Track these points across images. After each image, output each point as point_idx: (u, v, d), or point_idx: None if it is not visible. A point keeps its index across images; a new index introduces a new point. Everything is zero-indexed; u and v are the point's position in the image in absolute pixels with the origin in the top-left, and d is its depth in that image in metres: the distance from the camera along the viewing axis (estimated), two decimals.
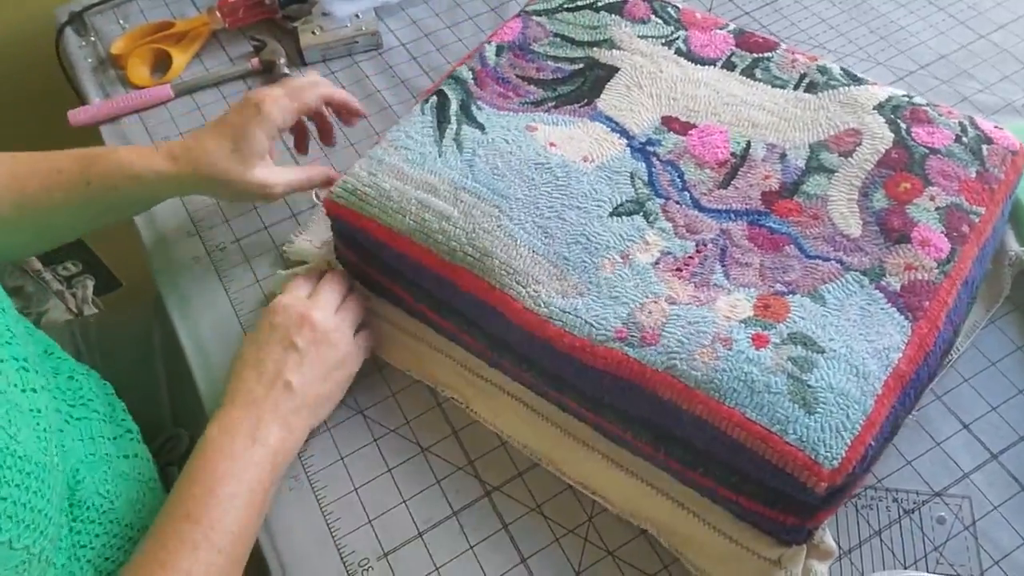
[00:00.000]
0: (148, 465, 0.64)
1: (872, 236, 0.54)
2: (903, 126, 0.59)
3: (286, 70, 0.81)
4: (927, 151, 0.57)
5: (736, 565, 0.51)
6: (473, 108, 0.63)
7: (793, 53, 0.65)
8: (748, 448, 0.47)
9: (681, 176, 0.59)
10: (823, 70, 0.64)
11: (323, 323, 0.58)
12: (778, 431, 0.46)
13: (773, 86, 0.64)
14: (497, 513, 0.55)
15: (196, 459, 0.52)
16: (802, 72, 0.64)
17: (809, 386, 0.47)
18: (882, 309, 0.51)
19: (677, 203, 0.58)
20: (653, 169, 0.60)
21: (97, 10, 0.88)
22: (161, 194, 0.64)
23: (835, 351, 0.49)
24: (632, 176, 0.59)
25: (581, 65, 0.66)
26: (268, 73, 0.81)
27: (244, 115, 0.62)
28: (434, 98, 0.64)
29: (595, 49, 0.67)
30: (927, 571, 0.51)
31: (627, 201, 0.58)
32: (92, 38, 0.86)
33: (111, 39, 0.84)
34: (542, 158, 0.59)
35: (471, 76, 0.65)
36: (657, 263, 0.54)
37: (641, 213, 0.57)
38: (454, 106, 0.63)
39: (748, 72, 0.65)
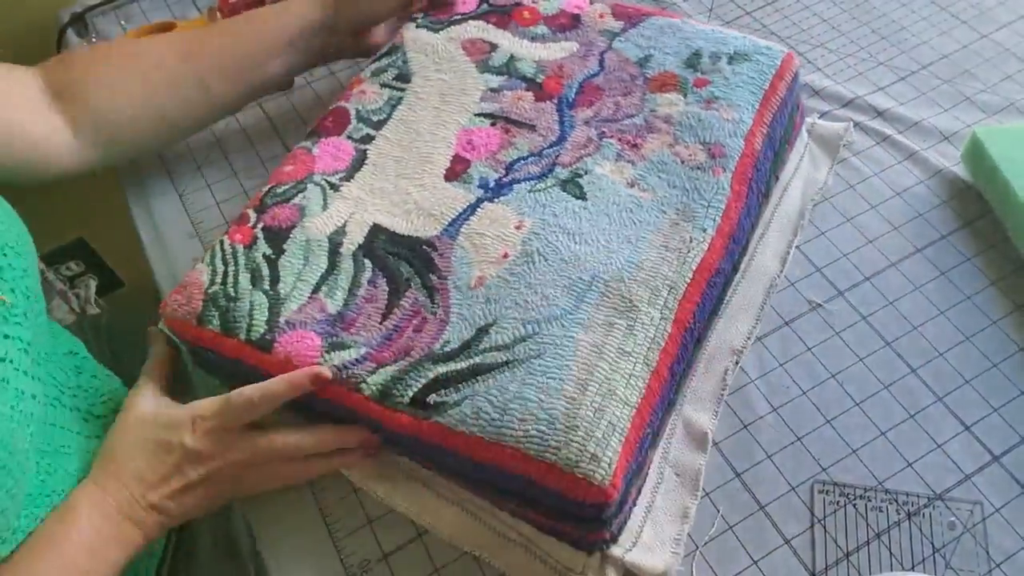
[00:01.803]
0: None
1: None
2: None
3: None
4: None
5: None
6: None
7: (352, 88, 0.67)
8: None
9: (526, 157, 0.60)
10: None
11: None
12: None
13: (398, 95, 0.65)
14: None
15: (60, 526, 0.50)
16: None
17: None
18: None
19: (556, 153, 0.60)
20: (518, 174, 0.60)
21: (99, 11, 0.88)
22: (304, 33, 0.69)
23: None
24: (539, 193, 0.58)
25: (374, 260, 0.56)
26: None
27: None
28: None
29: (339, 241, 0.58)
30: (929, 574, 0.51)
31: (567, 183, 0.59)
32: (94, 39, 0.86)
33: (113, 40, 0.84)
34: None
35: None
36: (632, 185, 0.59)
37: (577, 178, 0.59)
38: None
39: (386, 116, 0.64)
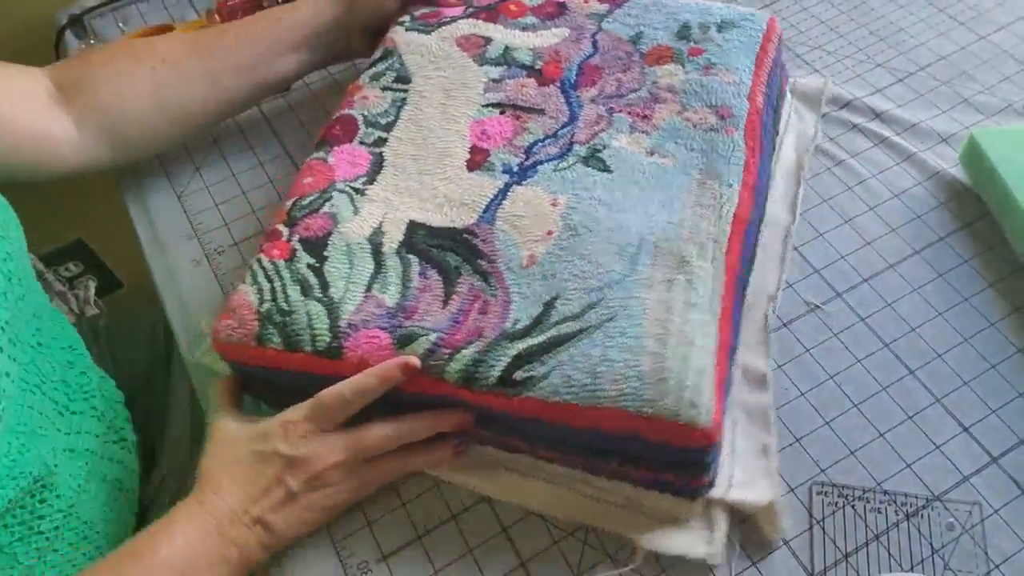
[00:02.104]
0: (132, 477, 0.64)
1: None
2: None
3: None
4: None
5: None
6: None
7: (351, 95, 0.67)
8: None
9: (543, 140, 0.62)
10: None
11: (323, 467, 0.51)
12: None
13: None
14: (496, 516, 0.55)
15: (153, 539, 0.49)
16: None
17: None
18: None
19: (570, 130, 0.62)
20: (539, 156, 0.61)
21: (97, 13, 0.88)
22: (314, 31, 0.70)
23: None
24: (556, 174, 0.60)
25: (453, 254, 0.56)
26: None
27: None
28: None
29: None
30: (928, 575, 0.51)
31: (583, 160, 0.61)
32: (92, 41, 0.86)
33: (111, 42, 0.84)
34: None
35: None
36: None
37: (597, 153, 0.61)
38: None
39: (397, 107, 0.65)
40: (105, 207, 0.91)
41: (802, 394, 0.59)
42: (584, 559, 0.53)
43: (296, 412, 0.51)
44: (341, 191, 0.60)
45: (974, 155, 0.67)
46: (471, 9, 0.71)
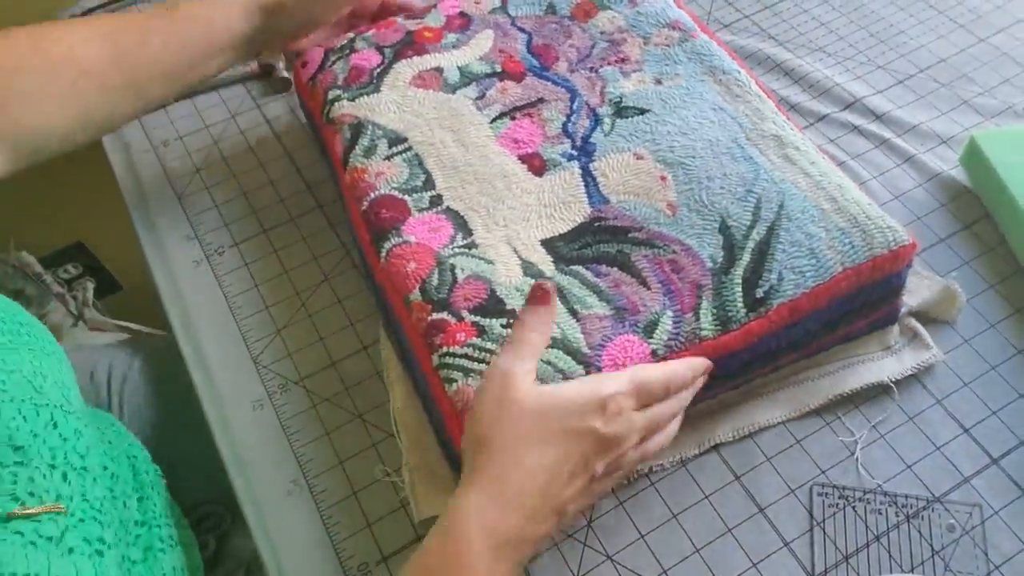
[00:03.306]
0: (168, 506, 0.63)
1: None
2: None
3: (285, 73, 0.81)
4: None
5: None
6: None
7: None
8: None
9: (569, 118, 0.63)
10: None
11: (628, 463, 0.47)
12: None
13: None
14: None
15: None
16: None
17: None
18: None
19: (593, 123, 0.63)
20: (580, 132, 0.62)
21: (98, 12, 0.88)
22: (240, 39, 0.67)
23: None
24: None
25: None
26: (267, 76, 0.81)
27: None
28: None
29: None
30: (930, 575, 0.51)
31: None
32: None
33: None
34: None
35: None
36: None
37: (621, 105, 0.63)
38: None
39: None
40: (104, 209, 0.91)
41: None
42: (584, 561, 0.53)
43: (615, 384, 0.45)
44: (453, 255, 0.56)
45: (974, 157, 0.67)
46: (388, 52, 0.68)
